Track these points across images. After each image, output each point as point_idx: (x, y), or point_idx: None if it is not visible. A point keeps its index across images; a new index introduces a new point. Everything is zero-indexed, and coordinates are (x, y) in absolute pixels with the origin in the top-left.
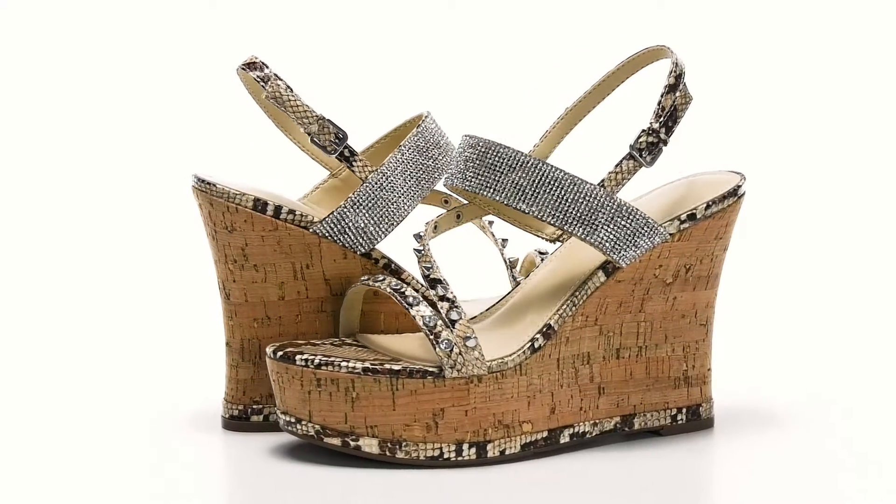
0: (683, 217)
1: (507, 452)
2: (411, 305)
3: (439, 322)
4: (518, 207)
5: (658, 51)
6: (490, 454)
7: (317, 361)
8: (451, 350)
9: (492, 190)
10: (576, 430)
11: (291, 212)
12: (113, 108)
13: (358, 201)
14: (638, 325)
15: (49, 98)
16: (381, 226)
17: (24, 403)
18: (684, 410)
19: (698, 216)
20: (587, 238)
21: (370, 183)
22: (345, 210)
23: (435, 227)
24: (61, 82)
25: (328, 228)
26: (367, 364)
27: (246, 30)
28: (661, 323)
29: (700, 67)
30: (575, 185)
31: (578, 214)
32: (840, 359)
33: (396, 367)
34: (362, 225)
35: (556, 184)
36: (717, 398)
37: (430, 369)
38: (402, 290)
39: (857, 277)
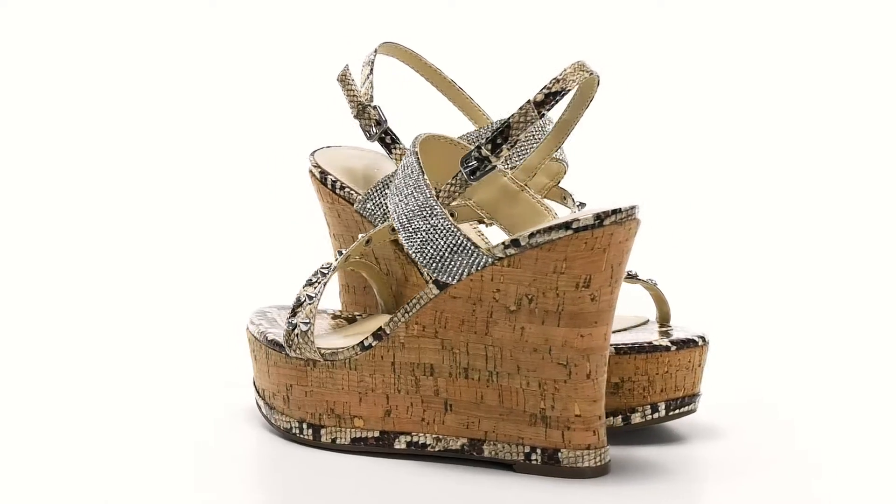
0: (507, 242)
1: (337, 442)
2: (304, 285)
3: (304, 304)
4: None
5: (588, 80)
6: (323, 439)
7: (248, 322)
8: (293, 330)
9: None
10: (414, 439)
11: (343, 187)
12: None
13: (385, 185)
14: (486, 349)
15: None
16: None
17: (86, 374)
18: (539, 451)
19: (522, 243)
20: (405, 246)
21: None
22: (373, 191)
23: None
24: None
25: (362, 206)
26: (262, 330)
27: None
28: (510, 352)
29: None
30: (417, 189)
31: (404, 220)
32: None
33: (270, 338)
34: (387, 210)
35: (404, 181)
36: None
37: (283, 345)
38: (325, 271)
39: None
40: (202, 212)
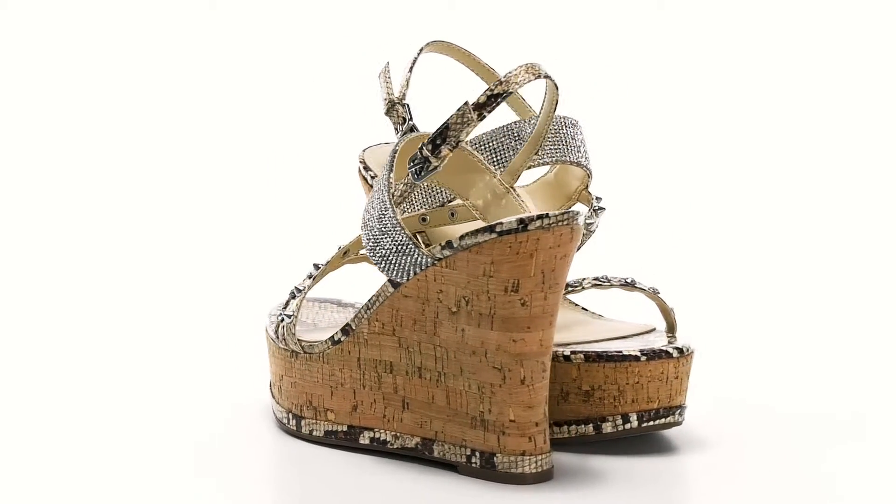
0: (444, 243)
1: (314, 434)
2: (304, 279)
3: (296, 296)
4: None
5: (549, 85)
6: (303, 431)
7: (268, 314)
8: (281, 321)
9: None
10: (376, 435)
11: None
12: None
13: None
14: (434, 349)
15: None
16: (422, 206)
17: (112, 374)
18: (478, 454)
19: (454, 245)
20: (363, 242)
21: None
22: None
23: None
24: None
25: None
26: (271, 321)
27: None
28: (454, 353)
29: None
30: (382, 188)
31: (366, 218)
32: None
33: (272, 327)
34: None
35: (379, 186)
36: None
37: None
38: (321, 265)
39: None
40: (230, 208)
